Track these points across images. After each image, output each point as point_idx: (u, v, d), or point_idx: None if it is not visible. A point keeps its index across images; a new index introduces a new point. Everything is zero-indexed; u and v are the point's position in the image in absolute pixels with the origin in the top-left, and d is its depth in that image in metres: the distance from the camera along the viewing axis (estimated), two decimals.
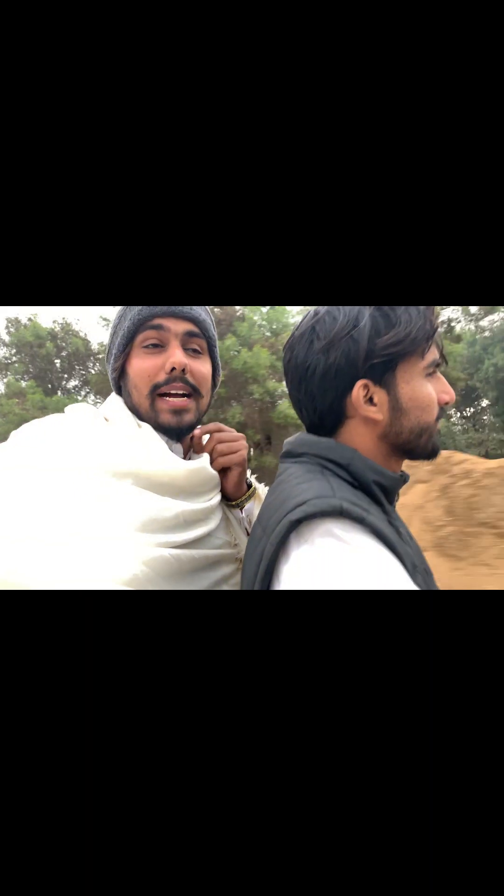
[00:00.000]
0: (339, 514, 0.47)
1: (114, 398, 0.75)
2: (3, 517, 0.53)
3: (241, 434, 0.79)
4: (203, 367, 0.73)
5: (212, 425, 0.78)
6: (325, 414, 0.61)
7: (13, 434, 0.65)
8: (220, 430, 0.77)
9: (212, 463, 0.73)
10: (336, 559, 0.45)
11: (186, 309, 0.70)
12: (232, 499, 0.78)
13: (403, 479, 0.65)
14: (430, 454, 0.62)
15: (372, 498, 0.56)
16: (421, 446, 0.60)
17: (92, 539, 0.55)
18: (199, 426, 0.81)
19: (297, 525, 0.48)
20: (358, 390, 0.58)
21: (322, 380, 0.59)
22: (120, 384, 0.74)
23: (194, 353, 0.72)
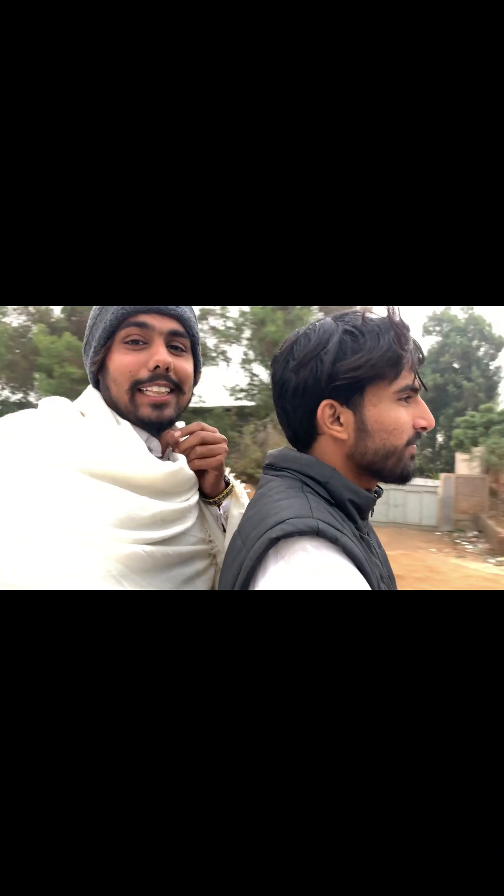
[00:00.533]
0: (315, 533, 0.51)
1: (91, 392, 0.74)
2: None
3: (222, 437, 0.79)
4: (186, 364, 0.72)
5: (194, 425, 0.78)
6: (297, 429, 0.65)
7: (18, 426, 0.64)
8: (202, 430, 0.77)
9: (189, 463, 0.73)
10: (307, 575, 0.49)
11: (172, 307, 0.68)
12: (209, 497, 0.79)
13: (378, 495, 0.70)
14: (400, 478, 0.65)
15: (346, 514, 0.61)
16: (388, 469, 0.64)
17: (65, 536, 0.56)
18: (178, 425, 0.82)
19: (275, 542, 0.52)
20: (323, 409, 0.62)
21: (293, 397, 0.63)
22: (98, 378, 0.73)
23: (177, 350, 0.71)
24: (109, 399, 0.71)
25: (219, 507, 0.80)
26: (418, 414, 0.64)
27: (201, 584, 0.70)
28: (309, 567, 0.50)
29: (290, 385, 0.63)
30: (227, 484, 0.81)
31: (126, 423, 0.70)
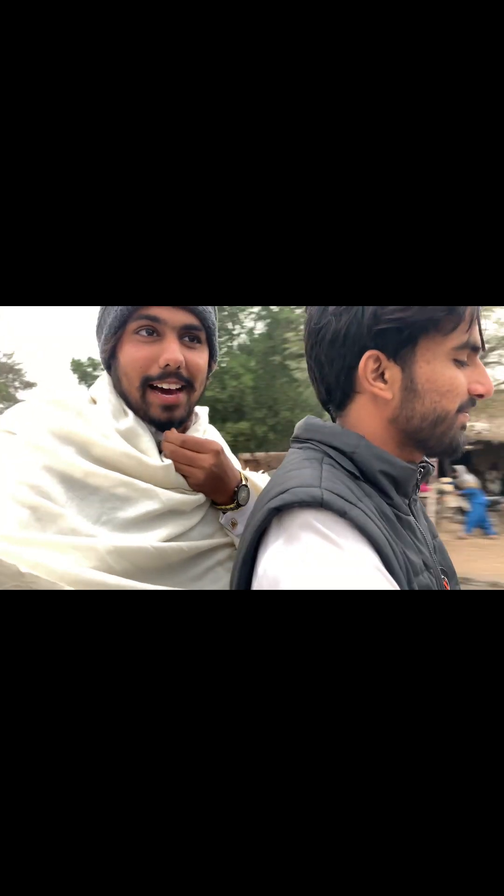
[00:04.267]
0: (320, 505, 0.45)
1: (103, 379, 0.72)
2: None
3: (202, 456, 0.68)
4: (199, 358, 0.69)
5: (174, 437, 0.67)
6: (332, 387, 0.56)
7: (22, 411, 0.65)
8: (184, 443, 0.67)
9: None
10: (311, 555, 0.43)
11: None
12: (217, 504, 0.72)
13: (423, 470, 0.59)
14: (449, 450, 0.55)
15: (380, 489, 0.53)
16: (436, 437, 0.53)
17: (70, 532, 0.55)
18: (201, 414, 0.79)
19: (276, 513, 0.47)
20: (366, 361, 0.52)
21: (331, 345, 0.54)
22: (110, 363, 0.70)
23: (191, 342, 0.68)
24: (120, 390, 0.69)
25: (223, 514, 0.72)
26: (476, 378, 0.53)
27: (211, 581, 0.66)
28: (311, 547, 0.43)
29: (330, 330, 0.53)
30: (235, 498, 0.72)
31: (132, 415, 0.67)
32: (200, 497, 0.68)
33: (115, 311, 0.66)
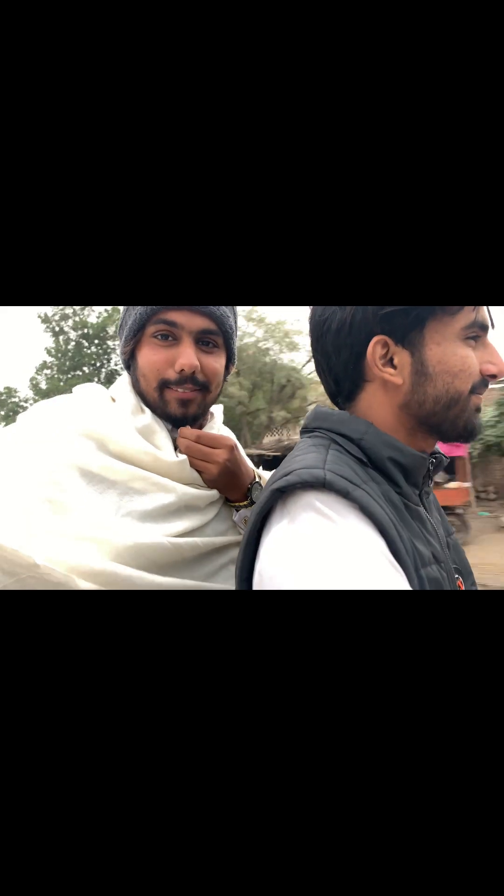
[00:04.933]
0: (322, 485, 0.44)
1: (123, 378, 0.74)
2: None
3: (217, 451, 0.69)
4: (216, 362, 0.69)
5: (189, 433, 0.69)
6: (340, 377, 0.55)
7: (20, 417, 0.67)
8: (199, 438, 0.69)
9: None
10: (312, 536, 0.42)
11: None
12: (230, 501, 0.73)
13: (436, 460, 0.58)
14: (464, 433, 0.53)
15: (388, 477, 0.51)
16: (450, 421, 0.52)
17: (87, 525, 0.56)
18: (217, 413, 0.80)
19: (279, 495, 0.46)
20: (374, 347, 0.51)
21: (336, 335, 0.53)
22: (129, 363, 0.72)
23: (208, 346, 0.69)
24: (139, 389, 0.70)
25: (237, 511, 0.73)
26: (487, 358, 0.52)
27: (224, 578, 0.65)
28: (312, 527, 0.42)
29: (335, 320, 0.53)
30: (248, 495, 0.72)
31: (149, 412, 0.69)
32: (214, 493, 0.69)
33: (134, 313, 0.67)
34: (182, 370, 0.65)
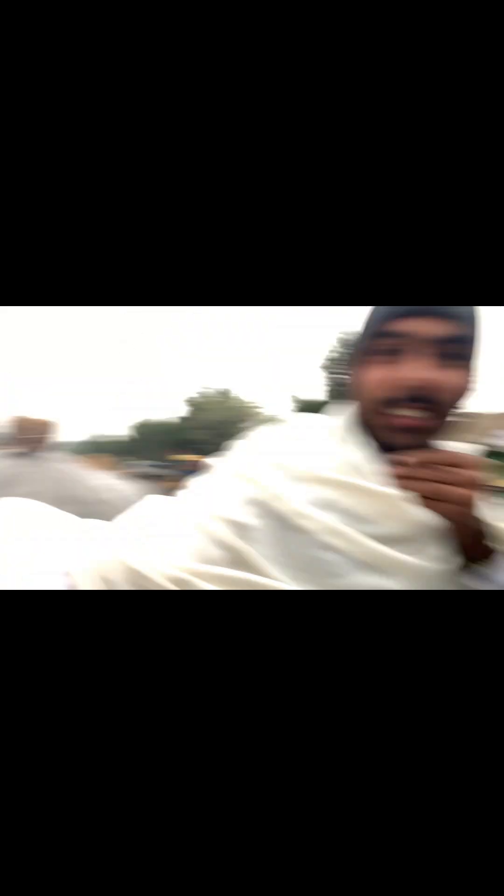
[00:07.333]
0: None
1: (346, 408, 0.61)
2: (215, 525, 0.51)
3: (464, 472, 0.51)
4: (459, 379, 0.53)
5: (418, 456, 0.53)
6: None
7: (247, 440, 0.62)
8: (432, 459, 0.52)
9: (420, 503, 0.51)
10: None
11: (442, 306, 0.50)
12: (468, 561, 0.52)
13: None
14: None
15: None
16: None
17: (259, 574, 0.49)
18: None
19: None
20: None
21: None
22: (353, 387, 0.60)
23: (448, 359, 0.52)
24: (361, 418, 0.58)
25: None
26: None
27: None
28: None
29: None
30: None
31: (364, 442, 0.56)
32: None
33: (361, 336, 0.58)
34: (411, 386, 0.51)
